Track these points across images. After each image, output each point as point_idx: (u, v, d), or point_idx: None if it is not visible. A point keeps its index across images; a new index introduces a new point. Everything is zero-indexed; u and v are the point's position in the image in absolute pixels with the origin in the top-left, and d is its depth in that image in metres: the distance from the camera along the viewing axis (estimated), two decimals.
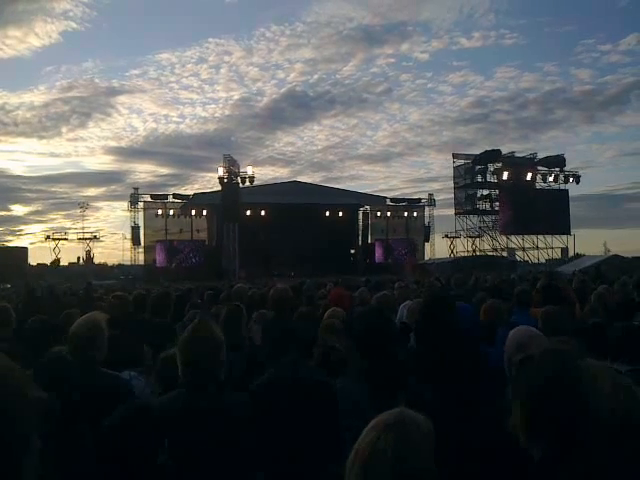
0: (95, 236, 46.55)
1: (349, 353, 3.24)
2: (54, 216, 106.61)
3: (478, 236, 46.58)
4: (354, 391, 2.24)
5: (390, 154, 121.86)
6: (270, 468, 1.28)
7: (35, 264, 50.13)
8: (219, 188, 37.06)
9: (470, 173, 45.17)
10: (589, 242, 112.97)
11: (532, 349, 2.44)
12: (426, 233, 47.25)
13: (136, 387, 3.40)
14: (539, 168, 45.87)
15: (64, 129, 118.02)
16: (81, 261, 45.82)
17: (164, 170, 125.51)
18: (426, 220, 47.38)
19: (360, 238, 46.12)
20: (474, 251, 46.37)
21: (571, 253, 45.07)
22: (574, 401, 1.34)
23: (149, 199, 41.93)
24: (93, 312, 3.34)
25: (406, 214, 46.48)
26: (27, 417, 0.99)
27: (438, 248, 48.73)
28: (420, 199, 47.70)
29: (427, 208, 47.33)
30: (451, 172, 46.31)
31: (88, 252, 45.40)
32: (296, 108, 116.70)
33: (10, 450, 0.97)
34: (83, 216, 49.60)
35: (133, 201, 41.61)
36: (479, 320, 4.65)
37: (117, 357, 3.47)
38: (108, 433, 1.67)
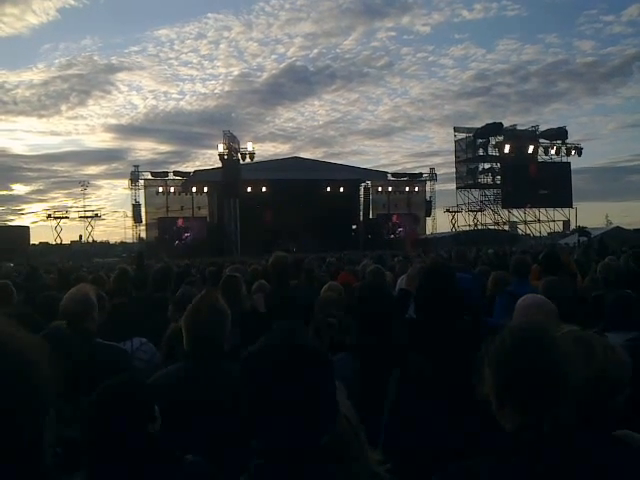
0: (96, 214, 46.38)
1: (346, 329, 3.22)
2: (55, 195, 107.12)
3: (480, 210, 46.50)
4: (343, 366, 2.22)
5: (391, 129, 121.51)
6: (263, 437, 1.27)
7: (37, 243, 50.36)
8: (220, 165, 36.94)
9: (472, 147, 44.91)
10: (591, 215, 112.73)
11: (540, 317, 2.42)
12: (428, 208, 47.10)
13: (147, 353, 3.43)
14: (541, 141, 45.56)
15: (64, 107, 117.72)
16: (84, 239, 45.57)
17: (164, 147, 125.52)
18: (427, 195, 47.21)
19: (362, 213, 46.01)
20: (476, 225, 46.32)
21: (573, 226, 44.99)
22: (541, 368, 1.32)
23: (150, 177, 41.79)
24: (81, 284, 3.34)
25: (407, 189, 46.27)
26: (48, 386, 0.99)
27: (440, 222, 48.75)
28: (421, 174, 47.43)
29: (429, 183, 47.10)
30: (453, 146, 46.14)
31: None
32: (296, 83, 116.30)
33: (34, 420, 0.97)
34: (84, 194, 49.37)
35: (134, 179, 41.45)
36: (480, 290, 4.66)
37: (125, 326, 3.48)
38: (93, 406, 1.67)
